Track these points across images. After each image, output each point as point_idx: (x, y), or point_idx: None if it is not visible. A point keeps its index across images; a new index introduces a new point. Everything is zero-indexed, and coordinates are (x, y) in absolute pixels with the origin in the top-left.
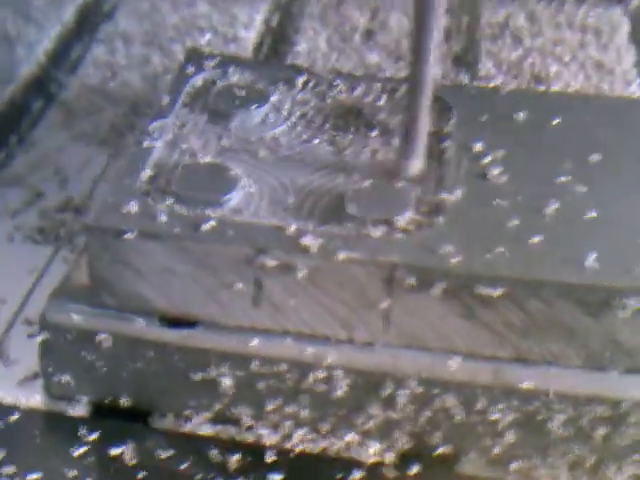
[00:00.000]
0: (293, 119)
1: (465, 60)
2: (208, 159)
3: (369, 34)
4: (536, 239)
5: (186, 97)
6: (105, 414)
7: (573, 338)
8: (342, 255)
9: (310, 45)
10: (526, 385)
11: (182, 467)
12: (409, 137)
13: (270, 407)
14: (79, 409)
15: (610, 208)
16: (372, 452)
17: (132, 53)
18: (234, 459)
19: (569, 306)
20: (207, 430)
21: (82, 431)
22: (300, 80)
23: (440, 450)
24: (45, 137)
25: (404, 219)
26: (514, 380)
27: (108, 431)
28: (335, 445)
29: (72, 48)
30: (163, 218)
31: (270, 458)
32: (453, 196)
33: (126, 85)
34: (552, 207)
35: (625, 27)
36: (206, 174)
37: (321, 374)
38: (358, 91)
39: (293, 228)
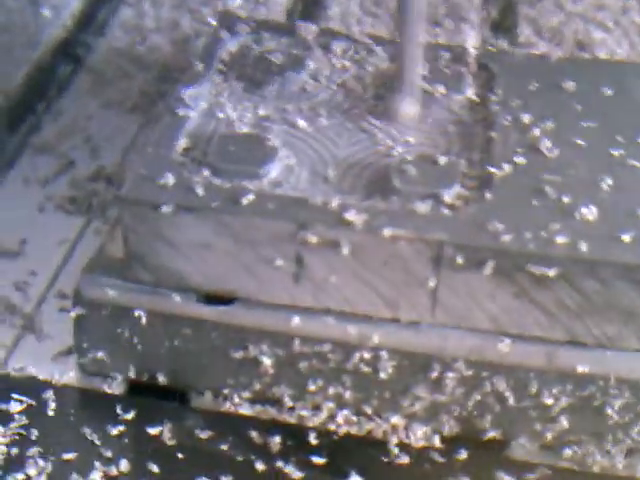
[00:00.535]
0: (332, 87)
1: (503, 25)
2: (245, 129)
3: None
4: (591, 216)
5: (221, 63)
6: (141, 392)
7: (630, 320)
8: (388, 231)
9: (343, 9)
10: (581, 369)
11: (222, 448)
12: (403, 79)
13: (312, 388)
14: (115, 387)
15: None
16: (419, 436)
17: (161, 16)
18: (275, 441)
19: (626, 287)
20: (247, 410)
21: (118, 410)
22: (338, 46)
23: (489, 435)
24: (74, 104)
25: (451, 194)
26: (568, 364)
27: (145, 410)
28: (381, 428)
29: (99, 11)
30: (200, 191)
31: (313, 440)
32: (501, 170)
33: (155, 49)
34: (606, 182)
35: None
36: (243, 145)
37: (365, 354)
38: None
39: (336, 202)
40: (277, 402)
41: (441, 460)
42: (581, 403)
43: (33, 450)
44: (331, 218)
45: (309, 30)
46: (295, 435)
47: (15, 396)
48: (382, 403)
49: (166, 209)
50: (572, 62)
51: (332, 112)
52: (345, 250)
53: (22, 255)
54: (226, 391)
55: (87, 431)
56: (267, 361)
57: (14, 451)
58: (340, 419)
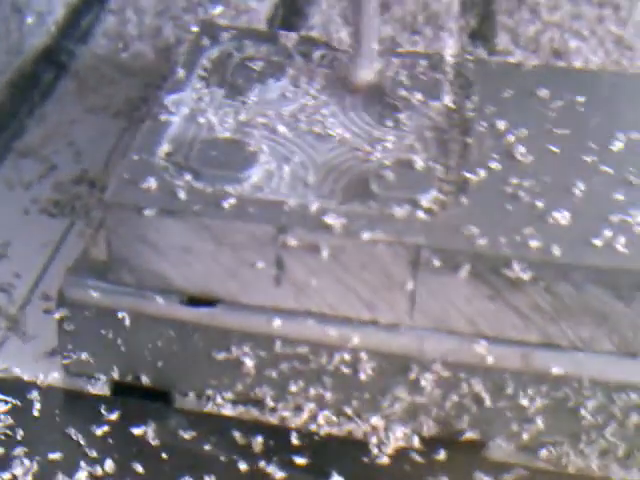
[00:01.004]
0: (312, 93)
1: (481, 34)
2: (226, 134)
3: (383, 7)
4: (563, 221)
5: (202, 70)
6: (125, 393)
7: (603, 323)
8: (366, 235)
9: (324, 18)
10: (555, 370)
11: (206, 448)
12: (360, 45)
13: (293, 389)
14: (99, 387)
15: (637, 189)
16: (398, 436)
17: (144, 23)
18: (258, 441)
19: (599, 290)
20: (230, 411)
21: (102, 410)
22: (318, 53)
23: (467, 435)
24: (57, 109)
25: (428, 198)
26: (543, 365)
27: (129, 410)
28: (361, 428)
29: (83, 18)
30: (182, 195)
31: (295, 441)
32: (477, 175)
33: (138, 56)
34: (579, 187)
35: None
36: (224, 150)
37: (345, 356)
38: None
39: (316, 206)
40: (259, 403)
41: (420, 460)
42: (556, 404)
43: (19, 450)
44: (311, 222)
45: (289, 38)
46: (277, 435)
47: (0, 397)
48: (362, 404)
49: (149, 212)
50: (546, 70)
51: (311, 118)
52: (325, 253)
53: (6, 257)
54: (209, 392)
55: (72, 431)
56: (249, 362)
57: (0, 451)
58: (321, 420)
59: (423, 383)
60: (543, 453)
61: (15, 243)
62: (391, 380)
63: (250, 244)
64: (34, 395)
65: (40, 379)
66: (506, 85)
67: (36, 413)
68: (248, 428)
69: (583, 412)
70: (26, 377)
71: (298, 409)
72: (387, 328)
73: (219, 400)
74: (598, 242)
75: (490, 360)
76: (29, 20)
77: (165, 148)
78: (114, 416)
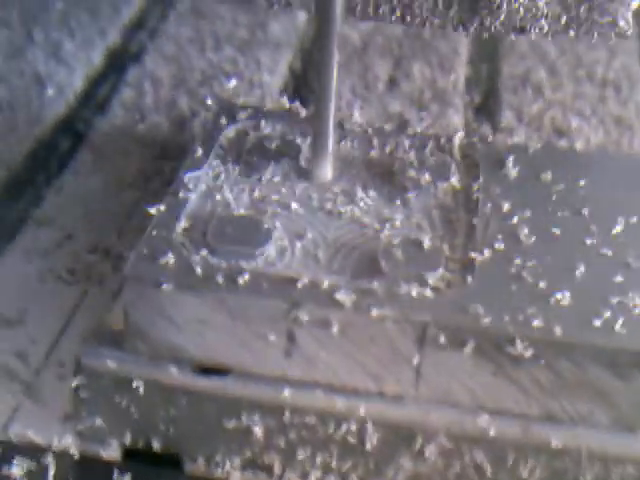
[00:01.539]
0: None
1: (486, 110)
2: (241, 211)
3: (392, 83)
4: (565, 302)
5: (219, 148)
6: (137, 458)
7: (602, 399)
8: (375, 312)
9: None
10: (555, 443)
11: None
12: (316, 144)
13: (301, 456)
14: (111, 452)
15: (636, 273)
16: None
17: (160, 96)
18: None
19: (599, 368)
20: (238, 476)
21: (115, 475)
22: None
23: None
24: (74, 179)
25: (435, 277)
26: (543, 438)
27: (140, 475)
28: None
29: (101, 90)
30: (199, 270)
31: None
32: (482, 255)
33: (154, 128)
34: (580, 269)
35: None
36: (240, 226)
37: (352, 426)
38: (389, 146)
39: (327, 283)
40: (267, 469)
41: None
42: (555, 475)
43: None
44: (322, 298)
45: (305, 117)
46: None
47: (16, 461)
48: (367, 472)
49: (167, 287)
50: (550, 152)
51: (324, 196)
52: (335, 328)
53: (23, 324)
54: (218, 458)
55: None
56: (258, 430)
57: None
58: None
59: (427, 453)
60: None
61: (31, 310)
62: (396, 450)
63: (263, 318)
64: (49, 459)
65: (54, 444)
66: (511, 167)
67: (51, 478)
68: None
69: None
70: (41, 442)
71: (305, 476)
72: (393, 400)
73: (228, 466)
74: (598, 322)
75: (492, 432)
76: (50, 91)
77: (183, 224)
78: None
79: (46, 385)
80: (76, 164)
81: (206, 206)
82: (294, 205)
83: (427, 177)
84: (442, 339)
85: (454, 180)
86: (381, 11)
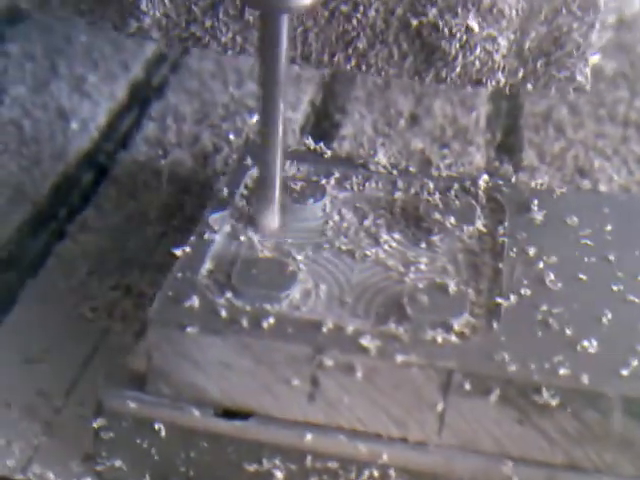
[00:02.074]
0: (350, 215)
1: (507, 148)
2: (266, 253)
3: (413, 120)
4: (592, 350)
5: (244, 189)
6: None
7: (628, 449)
8: (400, 358)
9: (355, 128)
10: None
11: None
12: (262, 194)
13: None
14: None
15: None
16: None
17: (183, 131)
18: None
19: (625, 418)
20: None
21: None
22: (356, 175)
23: None
24: (97, 214)
25: (460, 322)
26: None
27: None
28: None
29: (124, 124)
30: (223, 313)
31: None
32: (508, 301)
33: (176, 163)
34: (607, 317)
35: None
36: (264, 268)
37: (374, 472)
38: (413, 189)
39: (351, 328)
40: None
41: None
42: None
43: None
44: (347, 343)
45: (330, 159)
46: None
47: None
48: None
49: (191, 331)
50: (575, 195)
51: (349, 239)
52: (359, 374)
53: (44, 362)
54: None
55: None
56: (279, 475)
57: None
58: None
59: None
60: None
61: (53, 347)
62: None
63: (288, 362)
64: None
65: None
66: (536, 211)
67: None
68: None
69: None
70: None
71: None
72: (416, 446)
73: None
74: (625, 372)
75: None
76: (73, 125)
77: (207, 266)
78: None
79: (66, 424)
80: (99, 199)
81: (231, 248)
82: (319, 248)
83: (452, 220)
84: (467, 386)
85: (479, 224)
86: (336, 59)
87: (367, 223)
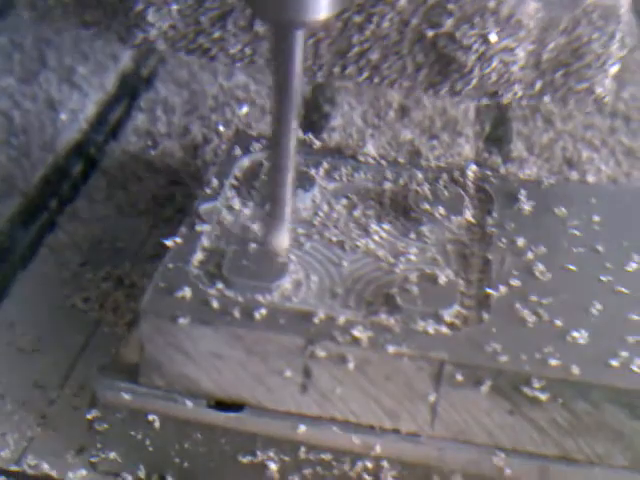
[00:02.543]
0: (340, 205)
1: (496, 140)
2: (257, 244)
3: (403, 111)
4: (582, 340)
5: (234, 179)
6: None
7: (618, 440)
8: (392, 349)
9: (345, 120)
10: None
11: None
12: (274, 211)
13: None
14: None
15: None
16: None
17: (172, 122)
18: None
19: (615, 409)
20: None
21: None
22: (346, 165)
23: None
24: (87, 205)
25: (451, 313)
26: (559, 478)
27: None
28: None
29: (114, 115)
30: (215, 304)
31: None
32: (498, 291)
33: (166, 154)
34: (596, 307)
35: None
36: (255, 259)
37: (367, 463)
38: (402, 180)
39: (343, 319)
40: None
41: None
42: None
43: None
44: (339, 334)
45: (319, 149)
46: None
47: None
48: None
49: (183, 322)
50: (564, 186)
51: (339, 229)
52: (351, 365)
53: (37, 352)
54: None
55: None
56: (273, 466)
57: None
58: None
59: None
60: None
61: (46, 338)
62: None
63: (279, 354)
64: None
65: (69, 476)
66: (525, 201)
67: None
68: None
69: None
70: (55, 474)
71: None
72: (408, 438)
73: None
74: (615, 362)
75: (508, 472)
76: (62, 116)
77: (198, 257)
78: None
79: (61, 415)
80: (89, 190)
81: (221, 238)
82: (310, 238)
83: (441, 210)
84: (459, 377)
85: (468, 214)
86: (347, 72)
87: (357, 214)
